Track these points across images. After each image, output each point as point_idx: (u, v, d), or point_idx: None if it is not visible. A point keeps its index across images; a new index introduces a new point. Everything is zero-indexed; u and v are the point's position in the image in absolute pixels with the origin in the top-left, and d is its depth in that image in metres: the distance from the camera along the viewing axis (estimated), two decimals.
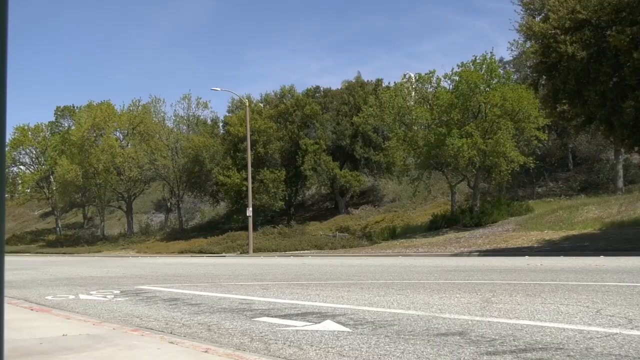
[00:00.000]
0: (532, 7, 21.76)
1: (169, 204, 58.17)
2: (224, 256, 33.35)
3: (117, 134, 59.18)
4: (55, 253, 50.00)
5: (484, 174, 33.72)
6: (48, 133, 67.63)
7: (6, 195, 1.53)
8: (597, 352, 3.64)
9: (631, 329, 4.41)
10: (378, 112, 38.85)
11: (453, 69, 33.61)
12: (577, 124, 22.70)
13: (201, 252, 37.36)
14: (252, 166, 37.82)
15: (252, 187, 37.43)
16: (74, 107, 70.17)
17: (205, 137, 51.04)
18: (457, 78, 32.43)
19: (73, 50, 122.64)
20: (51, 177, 63.49)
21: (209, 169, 48.29)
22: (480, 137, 30.07)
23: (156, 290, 9.68)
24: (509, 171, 30.62)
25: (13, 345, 4.23)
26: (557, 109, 21.96)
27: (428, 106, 34.13)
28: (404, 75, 44.96)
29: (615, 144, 29.04)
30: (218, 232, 45.30)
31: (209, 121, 58.13)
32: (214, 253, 36.02)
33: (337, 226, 40.17)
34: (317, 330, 4.89)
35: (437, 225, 32.04)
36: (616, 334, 4.22)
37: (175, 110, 73.47)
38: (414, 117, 34.17)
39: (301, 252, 31.47)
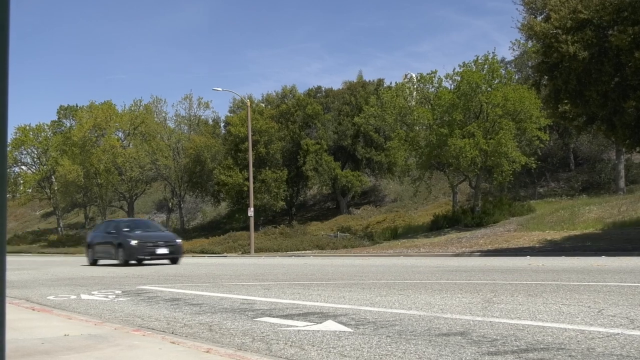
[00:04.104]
0: (533, 6, 21.73)
1: (170, 204, 58.20)
2: (226, 256, 33.37)
3: (119, 134, 59.27)
4: (57, 253, 50.03)
5: (485, 174, 33.70)
6: (50, 133, 67.72)
7: (8, 195, 1.54)
8: (598, 352, 3.64)
9: (633, 329, 4.40)
10: (379, 112, 38.85)
11: (455, 69, 33.66)
12: (579, 124, 22.69)
13: (202, 252, 37.38)
14: (253, 166, 37.82)
15: (254, 187, 37.44)
16: (76, 106, 70.24)
17: (206, 137, 51.08)
18: (458, 78, 32.43)
19: (74, 50, 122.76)
20: (53, 177, 63.57)
21: (210, 169, 48.32)
22: (482, 137, 30.06)
23: (158, 290, 9.69)
24: (511, 171, 30.62)
25: (15, 346, 4.24)
26: (559, 109, 21.94)
27: (429, 106, 34.12)
28: (405, 75, 45.04)
29: (617, 144, 29.02)
30: (219, 232, 45.34)
31: (210, 121, 58.20)
32: (215, 253, 36.04)
33: (339, 226, 40.17)
34: (318, 331, 4.89)
35: (438, 226, 32.03)
36: (618, 334, 4.21)
37: (176, 110, 73.56)
38: (415, 117, 34.16)
39: (303, 252, 31.48)
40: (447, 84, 33.91)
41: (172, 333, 5.17)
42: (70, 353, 4.06)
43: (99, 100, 68.79)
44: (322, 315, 5.80)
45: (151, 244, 20.37)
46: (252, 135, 38.60)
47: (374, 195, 49.80)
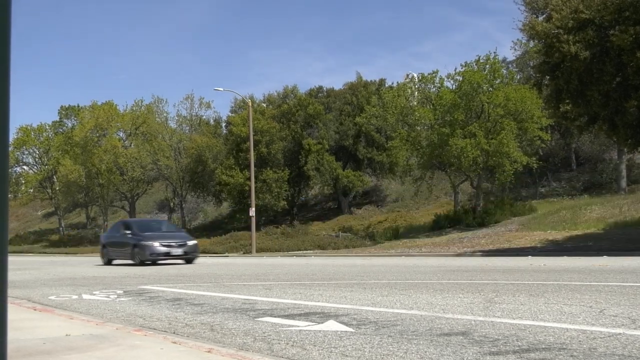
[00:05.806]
0: (535, 6, 21.71)
1: (171, 204, 58.19)
2: (227, 256, 33.38)
3: (120, 134, 59.25)
4: (59, 253, 50.04)
5: (487, 174, 33.68)
6: (51, 133, 67.73)
7: (9, 195, 1.54)
8: (600, 352, 3.63)
9: (634, 329, 4.40)
10: (381, 112, 38.83)
11: (456, 69, 33.63)
12: (580, 124, 22.65)
13: (204, 252, 37.27)
14: (255, 166, 37.81)
15: (255, 187, 37.44)
16: (78, 106, 70.25)
17: (208, 137, 51.05)
18: (460, 78, 32.40)
19: (76, 51, 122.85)
20: (54, 177, 63.61)
21: (211, 169, 48.31)
22: (484, 137, 30.05)
23: (159, 290, 9.69)
24: (512, 171, 30.59)
25: (16, 345, 4.24)
26: (560, 109, 21.90)
27: (431, 106, 34.10)
28: (407, 75, 45.00)
29: (619, 144, 28.99)
30: (221, 232, 45.32)
31: (211, 121, 58.11)
32: (217, 253, 36.03)
33: (340, 226, 40.15)
34: (320, 330, 4.89)
35: (440, 225, 32.01)
36: (619, 334, 4.21)
37: (178, 110, 73.38)
38: (416, 117, 34.15)
39: (304, 252, 31.46)
40: (449, 84, 33.92)
41: (174, 333, 5.17)
42: (72, 353, 4.06)
43: (101, 100, 68.87)
44: (324, 315, 5.80)
45: None
46: (253, 135, 38.58)
47: (375, 195, 49.80)
